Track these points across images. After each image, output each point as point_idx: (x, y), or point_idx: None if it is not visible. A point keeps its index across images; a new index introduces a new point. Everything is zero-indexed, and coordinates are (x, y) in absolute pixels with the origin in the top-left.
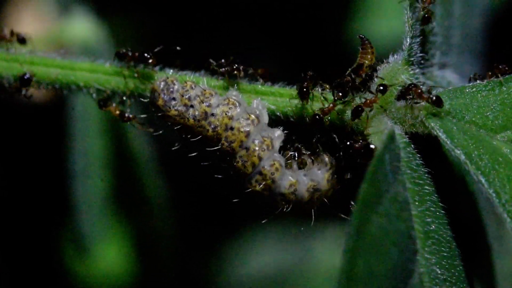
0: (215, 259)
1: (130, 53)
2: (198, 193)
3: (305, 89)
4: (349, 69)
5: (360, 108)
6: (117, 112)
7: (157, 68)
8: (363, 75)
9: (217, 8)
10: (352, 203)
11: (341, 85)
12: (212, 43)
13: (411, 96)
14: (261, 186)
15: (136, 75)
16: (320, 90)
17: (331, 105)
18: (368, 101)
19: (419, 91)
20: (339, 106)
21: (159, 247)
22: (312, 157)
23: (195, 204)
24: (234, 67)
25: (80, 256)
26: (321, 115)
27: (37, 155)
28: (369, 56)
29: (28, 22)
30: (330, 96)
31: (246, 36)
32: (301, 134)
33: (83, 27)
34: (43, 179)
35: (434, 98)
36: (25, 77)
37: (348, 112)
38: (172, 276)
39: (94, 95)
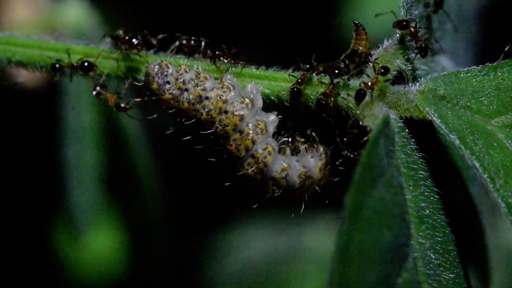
0: (206, 247)
1: (123, 36)
2: (191, 181)
3: (296, 89)
4: (343, 55)
5: (363, 91)
6: (113, 101)
7: (151, 51)
8: (357, 61)
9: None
10: (343, 191)
11: (336, 67)
12: (204, 32)
13: (408, 33)
14: (253, 169)
15: (129, 58)
16: (315, 74)
17: (330, 86)
18: (369, 83)
19: (417, 33)
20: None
21: (151, 234)
22: (306, 145)
23: (187, 191)
24: (232, 52)
25: (72, 241)
26: (325, 99)
27: (30, 141)
28: (363, 42)
29: (22, 7)
30: (325, 80)
31: (240, 29)
32: (296, 120)
33: (76, 13)
34: (36, 165)
35: (423, 45)
36: (85, 64)
37: (343, 93)
38: (163, 262)
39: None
